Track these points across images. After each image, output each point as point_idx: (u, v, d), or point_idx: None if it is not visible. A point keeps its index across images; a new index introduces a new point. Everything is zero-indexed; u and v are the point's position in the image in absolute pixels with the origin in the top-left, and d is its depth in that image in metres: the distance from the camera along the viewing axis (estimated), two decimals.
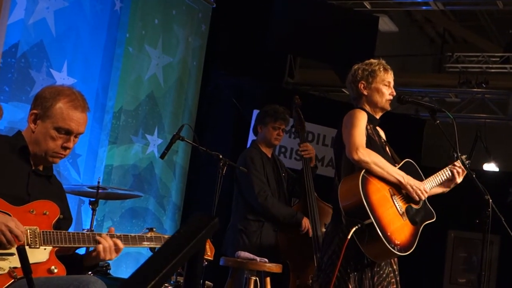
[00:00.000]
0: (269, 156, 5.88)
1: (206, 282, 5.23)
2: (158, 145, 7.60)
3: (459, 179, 4.27)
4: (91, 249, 3.19)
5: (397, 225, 3.95)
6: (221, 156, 4.95)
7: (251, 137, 7.92)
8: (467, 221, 7.28)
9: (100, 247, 3.07)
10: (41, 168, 3.19)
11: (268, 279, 5.41)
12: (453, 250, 8.65)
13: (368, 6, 9.42)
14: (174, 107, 7.86)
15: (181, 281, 4.79)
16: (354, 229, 3.79)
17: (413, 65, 12.49)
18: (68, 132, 3.12)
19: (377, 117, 4.28)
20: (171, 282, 4.71)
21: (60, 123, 3.09)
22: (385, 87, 4.22)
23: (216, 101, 8.64)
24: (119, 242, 3.12)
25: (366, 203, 3.83)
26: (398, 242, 3.90)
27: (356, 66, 4.29)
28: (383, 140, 4.29)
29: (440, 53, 12.10)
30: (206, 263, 3.90)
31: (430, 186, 4.19)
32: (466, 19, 11.62)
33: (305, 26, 8.72)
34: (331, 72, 9.89)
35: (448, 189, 4.32)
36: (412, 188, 4.04)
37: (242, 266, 5.32)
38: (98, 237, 3.09)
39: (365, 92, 4.22)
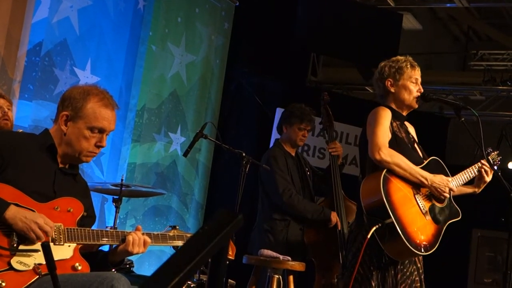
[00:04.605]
0: (293, 154, 5.84)
1: (229, 280, 5.23)
2: (181, 143, 7.61)
3: (488, 178, 4.22)
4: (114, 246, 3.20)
5: (419, 224, 3.92)
6: (244, 154, 4.93)
7: (274, 135, 7.91)
8: (492, 220, 7.21)
9: (130, 238, 3.08)
10: (67, 166, 3.20)
11: (291, 277, 5.39)
12: (478, 249, 8.55)
13: (391, 4, 9.37)
14: (197, 105, 7.87)
15: (204, 279, 4.79)
16: (374, 228, 3.78)
17: (437, 63, 12.38)
18: (101, 131, 3.14)
19: (404, 114, 4.23)
20: (194, 280, 4.71)
21: (93, 123, 3.11)
22: (412, 84, 4.16)
23: (239, 99, 8.64)
24: (147, 237, 3.14)
25: (387, 202, 3.81)
26: (420, 241, 3.87)
27: (382, 64, 4.23)
28: (411, 137, 4.24)
29: (465, 51, 12.00)
30: (227, 262, 3.89)
31: (456, 183, 4.14)
32: (491, 16, 11.49)
33: (328, 24, 8.68)
34: (354, 70, 9.84)
35: (479, 189, 4.25)
36: (436, 189, 4.00)
37: (265, 264, 5.31)
38: (127, 232, 3.12)
39: (392, 90, 4.16)
